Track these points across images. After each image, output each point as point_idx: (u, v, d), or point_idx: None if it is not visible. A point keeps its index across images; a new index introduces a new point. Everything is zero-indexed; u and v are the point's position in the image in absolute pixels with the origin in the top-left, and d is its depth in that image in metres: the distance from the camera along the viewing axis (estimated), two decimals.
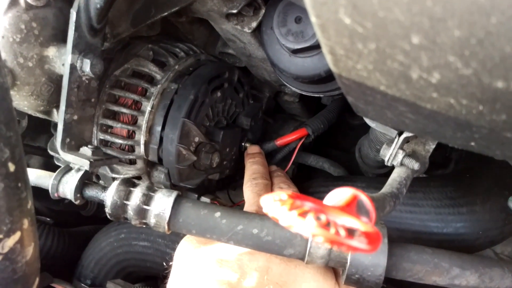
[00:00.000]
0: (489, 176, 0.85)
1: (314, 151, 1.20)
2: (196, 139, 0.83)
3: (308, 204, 0.30)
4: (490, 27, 0.24)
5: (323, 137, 1.17)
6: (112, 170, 0.85)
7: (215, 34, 1.05)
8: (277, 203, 0.28)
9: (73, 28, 0.64)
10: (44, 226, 1.11)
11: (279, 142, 0.98)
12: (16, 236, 0.43)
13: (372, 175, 1.10)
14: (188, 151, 0.81)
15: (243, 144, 0.97)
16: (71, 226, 1.28)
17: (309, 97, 1.16)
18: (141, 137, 0.81)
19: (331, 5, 0.28)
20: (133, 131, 0.82)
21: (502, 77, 0.27)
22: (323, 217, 0.28)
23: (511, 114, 0.31)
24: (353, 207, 0.35)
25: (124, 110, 0.80)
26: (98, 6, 0.64)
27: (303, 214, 0.27)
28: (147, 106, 0.80)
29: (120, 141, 0.80)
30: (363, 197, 0.36)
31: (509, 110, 0.30)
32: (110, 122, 0.80)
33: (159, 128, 0.81)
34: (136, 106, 0.82)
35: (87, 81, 0.68)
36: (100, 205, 1.35)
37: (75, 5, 0.64)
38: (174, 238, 1.06)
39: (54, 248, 1.14)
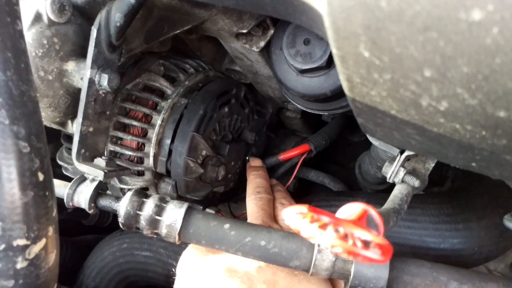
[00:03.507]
0: (485, 194, 0.89)
1: (313, 165, 1.23)
2: (204, 153, 0.86)
3: (325, 218, 0.33)
4: (495, 65, 0.27)
5: (322, 152, 1.21)
6: (121, 181, 0.87)
7: (222, 51, 1.08)
8: (299, 216, 0.31)
9: (93, 44, 0.67)
10: None
11: (282, 156, 1.01)
12: (42, 243, 0.46)
13: (371, 191, 1.13)
14: (195, 164, 0.84)
15: (247, 158, 1.00)
16: (72, 235, 1.29)
17: (310, 114, 1.19)
18: (150, 149, 0.84)
19: (352, 40, 0.32)
20: (143, 144, 0.84)
21: (504, 108, 0.30)
22: (341, 230, 0.31)
23: (511, 139, 0.34)
24: (363, 221, 0.38)
25: (134, 123, 0.83)
26: (118, 24, 0.67)
27: (323, 226, 0.30)
28: (158, 120, 0.83)
29: (130, 153, 0.83)
30: (373, 212, 0.39)
31: (509, 136, 0.33)
32: (120, 134, 0.83)
33: (168, 141, 0.83)
34: (147, 119, 0.85)
35: (103, 95, 0.71)
36: (102, 215, 1.37)
37: (96, 23, 0.67)
38: (176, 249, 1.08)
39: None
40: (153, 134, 0.83)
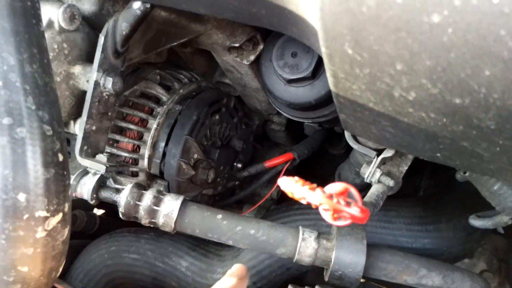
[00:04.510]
0: (453, 200, 0.97)
1: None
2: (195, 156, 0.92)
3: (314, 184, 0.40)
4: (450, 59, 0.35)
5: (304, 167, 1.28)
6: (115, 181, 0.92)
7: (213, 65, 1.16)
8: (292, 181, 0.38)
9: (100, 50, 0.74)
10: None
11: (268, 164, 1.08)
12: (59, 216, 0.51)
13: None
14: (188, 166, 0.90)
15: (235, 164, 1.07)
16: None
17: (294, 127, 1.27)
18: (145, 151, 0.89)
19: (339, 39, 0.39)
20: (138, 146, 0.90)
21: (458, 95, 0.38)
22: (327, 191, 0.37)
23: (465, 125, 0.41)
24: (345, 195, 0.44)
25: (131, 126, 0.89)
26: (124, 33, 0.74)
27: (312, 189, 0.37)
28: (153, 124, 0.89)
29: (126, 154, 0.88)
30: (353, 190, 0.46)
31: (464, 121, 0.41)
32: (117, 137, 0.88)
33: (163, 144, 0.89)
34: (143, 123, 0.91)
35: (106, 97, 0.77)
36: (89, 221, 1.40)
37: (104, 30, 0.74)
38: (164, 251, 1.12)
39: None
40: (148, 137, 0.89)
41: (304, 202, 0.37)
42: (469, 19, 0.32)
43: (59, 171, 0.50)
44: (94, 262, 1.15)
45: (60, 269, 0.57)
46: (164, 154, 0.90)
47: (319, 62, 0.79)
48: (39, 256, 0.51)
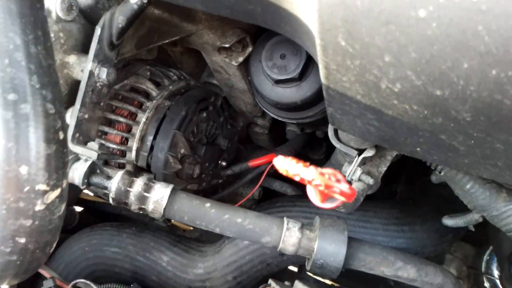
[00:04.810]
0: (427, 205, 1.02)
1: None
2: (182, 151, 0.94)
3: (307, 163, 0.43)
4: (433, 51, 0.39)
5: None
6: (102, 173, 0.93)
7: (201, 65, 1.19)
8: (287, 159, 0.41)
9: (96, 41, 0.76)
10: None
11: (251, 163, 1.10)
12: (58, 191, 0.53)
13: None
14: (175, 160, 0.92)
15: (219, 162, 1.09)
16: None
17: (276, 131, 1.31)
18: (134, 144, 0.91)
19: (333, 31, 0.43)
20: (126, 139, 0.92)
21: (439, 87, 0.42)
22: (319, 169, 0.40)
23: (444, 118, 0.46)
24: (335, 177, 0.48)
25: (120, 119, 0.90)
26: (120, 26, 0.76)
27: (306, 166, 0.40)
28: (142, 118, 0.91)
29: (114, 146, 0.90)
30: (339, 175, 0.49)
31: (443, 114, 0.45)
32: (106, 129, 0.90)
33: (151, 137, 0.91)
34: (131, 117, 0.93)
35: (100, 87, 0.79)
36: (68, 216, 1.39)
37: (101, 22, 0.76)
38: (145, 246, 1.13)
39: None
40: (137, 130, 0.91)
41: (297, 178, 0.40)
42: (451, 14, 0.36)
43: (59, 148, 0.52)
44: (75, 255, 1.15)
45: (54, 245, 0.58)
46: (152, 147, 0.91)
47: (306, 65, 0.83)
48: (36, 228, 0.52)
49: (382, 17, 0.39)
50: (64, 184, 0.54)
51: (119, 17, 0.76)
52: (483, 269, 1.26)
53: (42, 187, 0.50)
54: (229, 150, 1.12)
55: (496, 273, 1.22)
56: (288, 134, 1.33)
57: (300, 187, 1.26)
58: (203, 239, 1.30)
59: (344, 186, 0.39)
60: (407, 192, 1.18)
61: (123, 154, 0.93)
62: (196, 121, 0.97)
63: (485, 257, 1.26)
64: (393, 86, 0.45)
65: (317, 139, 1.29)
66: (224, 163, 1.10)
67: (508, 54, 0.36)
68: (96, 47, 0.76)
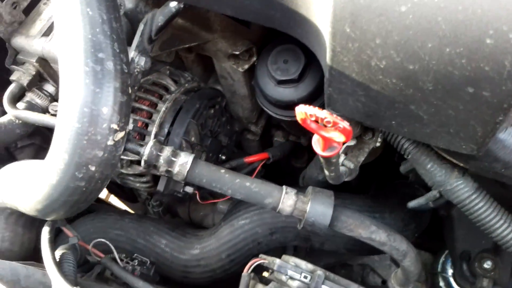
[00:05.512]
0: (395, 199, 1.21)
1: None
2: (193, 139, 1.11)
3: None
4: (409, 35, 0.59)
5: (270, 176, 1.49)
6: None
7: (207, 73, 1.37)
8: (306, 106, 0.59)
9: (139, 34, 0.93)
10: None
11: (247, 159, 1.28)
12: (123, 133, 0.69)
13: None
14: (188, 144, 1.08)
15: (220, 155, 1.26)
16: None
17: (265, 139, 1.49)
18: (153, 128, 1.07)
19: (342, 21, 0.62)
20: (147, 124, 1.08)
21: (412, 62, 0.61)
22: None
23: (414, 88, 0.65)
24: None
25: (143, 107, 1.07)
26: (159, 24, 0.94)
27: (321, 108, 0.58)
28: (162, 107, 1.08)
29: (137, 129, 1.06)
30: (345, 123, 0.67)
31: (413, 85, 0.64)
32: (131, 114, 1.06)
33: (168, 124, 1.08)
34: (152, 106, 1.09)
35: (136, 73, 0.96)
36: None
37: (144, 20, 0.94)
38: (145, 230, 1.26)
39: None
40: (157, 118, 1.07)
41: (313, 118, 0.58)
42: (422, 9, 0.56)
43: (128, 99, 0.69)
44: (81, 235, 1.26)
45: (106, 184, 0.73)
46: (168, 133, 1.08)
47: (304, 69, 1.02)
48: (105, 160, 0.67)
49: (377, 10, 0.59)
50: (127, 130, 0.70)
51: (159, 17, 0.94)
52: (439, 269, 1.43)
53: (115, 126, 0.66)
54: (228, 147, 1.29)
55: (450, 271, 1.39)
56: (275, 143, 1.51)
57: None
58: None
59: (345, 124, 0.57)
60: (379, 189, 1.37)
61: (142, 137, 1.08)
62: (205, 116, 1.14)
63: (441, 259, 1.43)
64: (380, 63, 0.64)
65: (301, 147, 1.48)
66: (223, 157, 1.27)
67: (457, 37, 0.56)
68: (139, 39, 0.93)
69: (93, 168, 0.67)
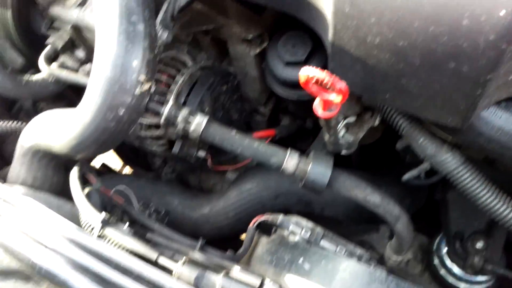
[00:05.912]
0: (391, 177, 1.31)
1: None
2: (206, 109, 1.21)
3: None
4: (399, 14, 0.69)
5: None
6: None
7: (221, 56, 1.48)
8: (309, 67, 0.69)
9: (164, 11, 1.04)
10: None
11: (255, 134, 1.38)
12: (149, 85, 0.79)
13: None
14: (202, 113, 1.19)
15: None
16: None
17: (272, 121, 1.59)
18: (171, 97, 1.18)
19: (343, 4, 0.72)
20: (165, 94, 1.18)
21: (402, 39, 0.71)
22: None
23: (404, 63, 0.75)
24: None
25: (163, 77, 1.18)
26: (181, 4, 1.05)
27: (322, 69, 0.68)
28: (180, 79, 1.19)
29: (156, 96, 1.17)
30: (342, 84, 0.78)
31: (404, 59, 0.74)
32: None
33: (185, 94, 1.18)
34: (171, 78, 1.20)
35: (158, 45, 1.07)
36: None
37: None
38: (159, 190, 1.36)
39: None
40: (174, 88, 1.18)
41: (314, 80, 0.68)
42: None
43: (154, 57, 0.80)
44: None
45: (132, 128, 0.84)
46: (184, 102, 1.18)
47: (311, 53, 1.13)
48: (133, 106, 0.78)
49: None
50: (151, 83, 0.80)
51: None
52: (434, 248, 1.48)
53: (143, 77, 0.77)
54: (237, 123, 1.39)
55: (444, 250, 1.44)
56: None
57: None
58: None
59: (343, 84, 0.67)
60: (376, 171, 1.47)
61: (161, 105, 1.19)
62: (218, 91, 1.25)
63: (436, 240, 1.49)
64: (375, 39, 0.74)
65: (306, 130, 1.58)
66: None
67: (439, 18, 0.66)
68: (163, 15, 1.04)
69: (121, 112, 0.78)
